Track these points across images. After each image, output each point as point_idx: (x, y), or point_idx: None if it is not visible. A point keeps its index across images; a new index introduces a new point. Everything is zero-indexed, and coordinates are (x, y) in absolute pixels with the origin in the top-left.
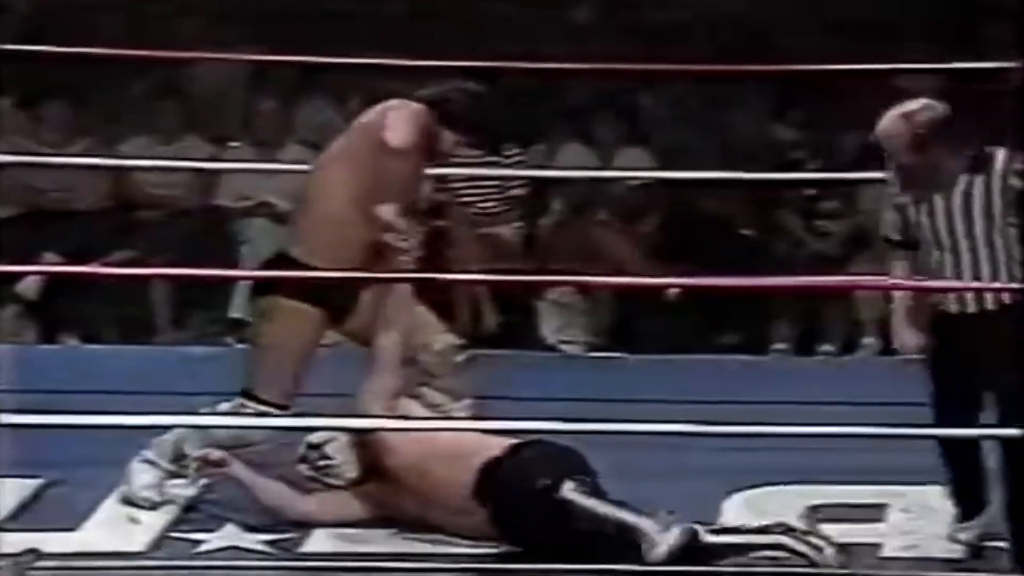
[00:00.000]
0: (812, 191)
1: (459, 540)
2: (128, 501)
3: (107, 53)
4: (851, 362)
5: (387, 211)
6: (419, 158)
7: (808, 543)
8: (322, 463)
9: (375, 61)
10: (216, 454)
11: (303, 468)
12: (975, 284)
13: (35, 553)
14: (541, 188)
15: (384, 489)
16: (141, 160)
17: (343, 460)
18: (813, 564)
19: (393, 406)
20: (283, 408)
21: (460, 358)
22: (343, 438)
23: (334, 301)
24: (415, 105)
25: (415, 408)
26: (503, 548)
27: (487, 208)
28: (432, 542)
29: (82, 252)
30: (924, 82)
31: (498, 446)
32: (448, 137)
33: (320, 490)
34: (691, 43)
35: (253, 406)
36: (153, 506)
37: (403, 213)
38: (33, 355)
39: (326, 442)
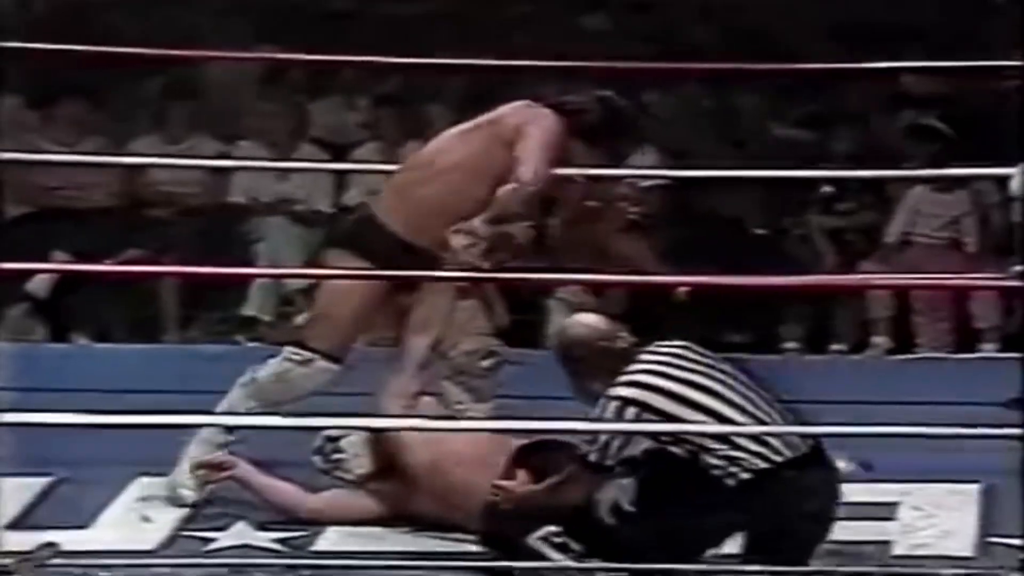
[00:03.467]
0: (826, 190)
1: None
2: (172, 497)
3: (118, 52)
4: (862, 361)
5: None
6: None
7: None
8: (335, 456)
9: (388, 60)
10: (221, 457)
11: (317, 460)
12: (1000, 282)
13: (52, 547)
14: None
15: (398, 488)
16: (152, 158)
17: (356, 455)
18: None
19: (413, 405)
20: (334, 360)
21: (491, 362)
22: (360, 434)
23: (401, 268)
24: (553, 121)
25: (435, 408)
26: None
27: None
28: (445, 541)
29: (92, 251)
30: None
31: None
32: (580, 150)
33: (332, 485)
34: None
35: (302, 354)
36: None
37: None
38: (43, 353)
39: (342, 436)
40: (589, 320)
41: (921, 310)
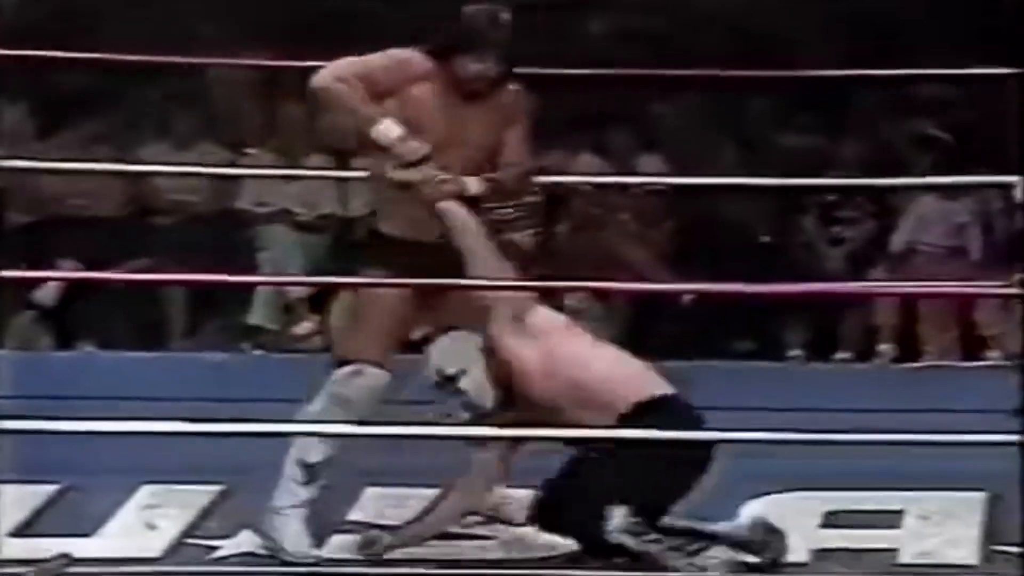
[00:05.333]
0: (830, 198)
1: (483, 544)
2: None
3: (124, 59)
4: (867, 369)
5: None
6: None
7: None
8: (457, 393)
9: None
10: (375, 535)
11: (440, 388)
12: (997, 291)
13: (67, 557)
14: (556, 194)
15: (530, 414)
16: (158, 166)
17: (479, 390)
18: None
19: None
20: (378, 366)
21: None
22: (477, 372)
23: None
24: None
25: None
26: (528, 554)
27: (502, 214)
28: (452, 548)
29: (99, 259)
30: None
31: (646, 391)
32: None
33: (453, 423)
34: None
35: (347, 369)
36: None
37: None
38: (49, 361)
39: (459, 375)
40: None
41: (927, 318)
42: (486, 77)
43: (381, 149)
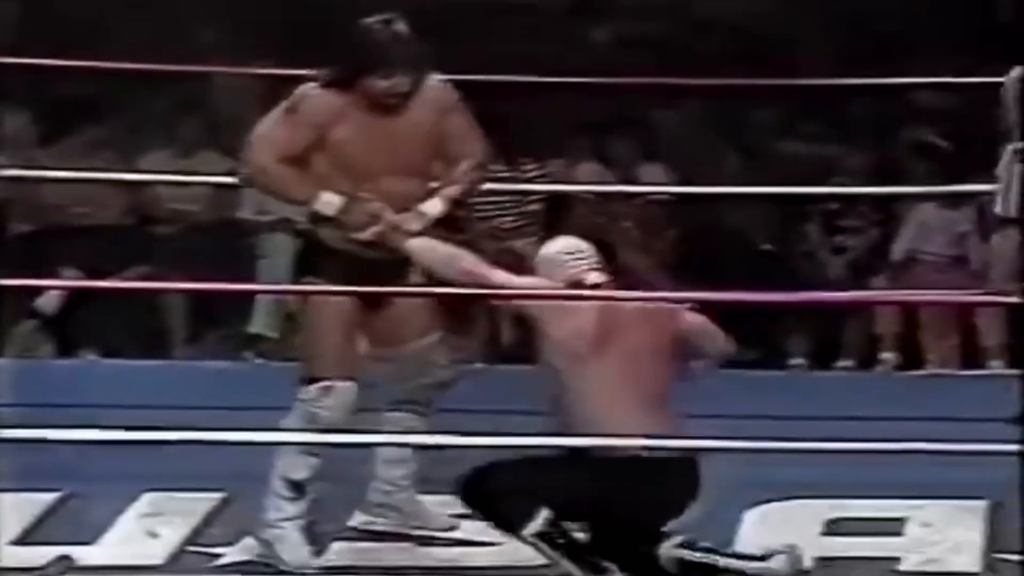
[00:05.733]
0: (833, 206)
1: (480, 552)
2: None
3: (126, 67)
4: (869, 377)
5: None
6: None
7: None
8: None
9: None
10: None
11: None
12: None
13: (67, 560)
14: (558, 203)
15: None
16: (159, 175)
17: None
18: None
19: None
20: (346, 379)
21: None
22: None
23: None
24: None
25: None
26: (529, 563)
27: (504, 223)
28: (451, 555)
29: (100, 267)
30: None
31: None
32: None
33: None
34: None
35: (313, 389)
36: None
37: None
38: (51, 369)
39: None
40: None
41: (928, 326)
42: (399, 92)
43: (329, 219)
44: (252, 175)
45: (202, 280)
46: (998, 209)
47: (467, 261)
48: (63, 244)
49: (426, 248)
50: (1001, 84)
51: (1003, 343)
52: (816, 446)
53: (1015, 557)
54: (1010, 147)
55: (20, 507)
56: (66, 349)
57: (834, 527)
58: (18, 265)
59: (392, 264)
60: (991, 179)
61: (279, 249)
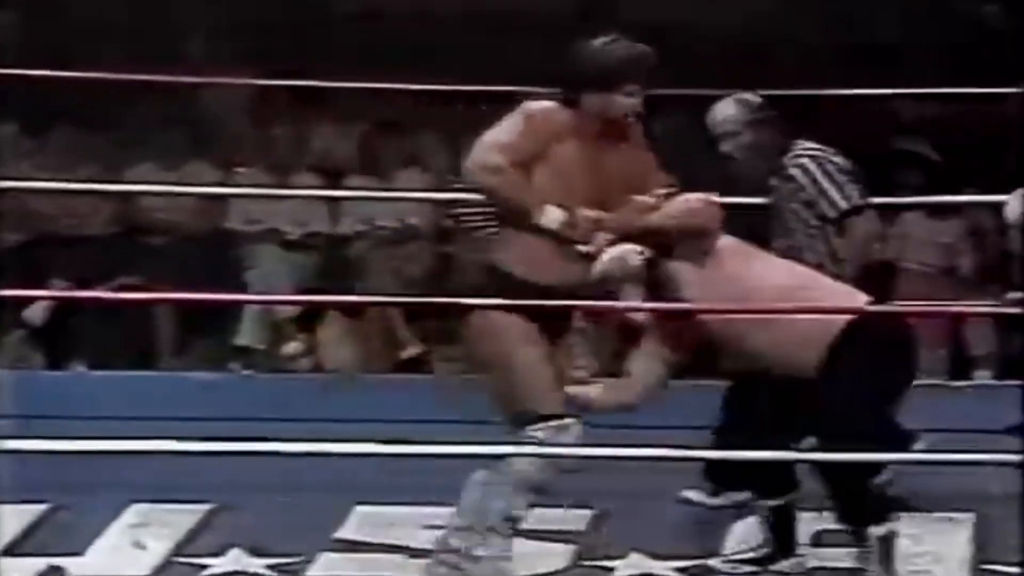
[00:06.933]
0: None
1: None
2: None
3: (113, 78)
4: None
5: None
6: None
7: None
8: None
9: (384, 85)
10: None
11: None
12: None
13: (59, 572)
14: None
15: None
16: (147, 185)
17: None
18: None
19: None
20: (572, 416)
21: None
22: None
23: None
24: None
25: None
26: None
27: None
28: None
29: (89, 278)
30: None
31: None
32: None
33: None
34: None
35: (543, 426)
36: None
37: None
38: (39, 380)
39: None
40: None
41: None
42: (635, 111)
43: (547, 231)
44: (482, 174)
45: (190, 291)
46: None
47: (695, 199)
48: (51, 255)
49: (662, 215)
50: (993, 95)
51: (992, 353)
52: (803, 456)
53: (1002, 568)
54: None
55: (8, 518)
56: (54, 360)
57: (822, 538)
58: (6, 276)
59: (570, 296)
60: (979, 189)
61: (267, 259)
